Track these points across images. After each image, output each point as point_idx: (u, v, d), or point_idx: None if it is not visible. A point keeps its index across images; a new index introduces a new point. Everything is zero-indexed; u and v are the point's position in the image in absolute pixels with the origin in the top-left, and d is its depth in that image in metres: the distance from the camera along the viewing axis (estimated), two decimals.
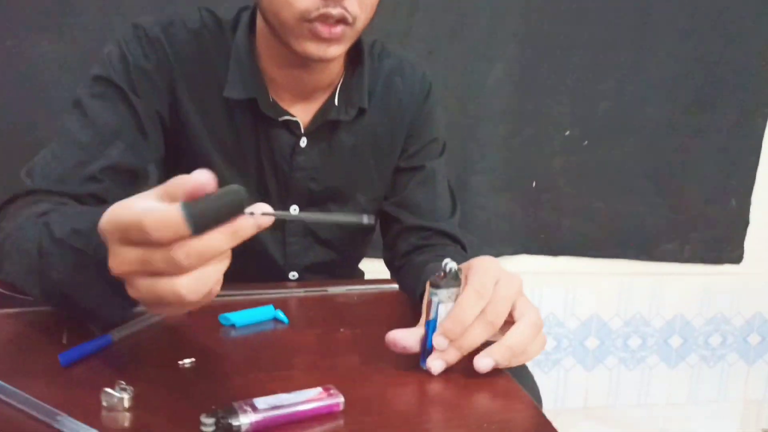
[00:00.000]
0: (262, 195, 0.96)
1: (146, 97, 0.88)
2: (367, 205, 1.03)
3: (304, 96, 0.93)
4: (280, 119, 0.91)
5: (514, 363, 0.66)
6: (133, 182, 0.89)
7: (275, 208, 0.95)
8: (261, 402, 0.53)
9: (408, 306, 0.87)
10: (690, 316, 1.99)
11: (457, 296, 0.65)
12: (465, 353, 0.65)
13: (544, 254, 1.80)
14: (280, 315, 0.79)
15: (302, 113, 0.93)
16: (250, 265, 0.98)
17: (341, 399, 0.56)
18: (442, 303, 0.64)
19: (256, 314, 0.78)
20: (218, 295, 0.53)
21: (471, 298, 0.64)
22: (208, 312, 0.79)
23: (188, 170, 0.47)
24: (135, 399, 0.57)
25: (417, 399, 0.62)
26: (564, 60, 1.69)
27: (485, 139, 1.68)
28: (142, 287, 0.48)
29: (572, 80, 1.70)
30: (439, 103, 1.06)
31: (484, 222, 1.71)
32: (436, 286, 0.64)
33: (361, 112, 0.95)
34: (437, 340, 0.64)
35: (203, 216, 0.45)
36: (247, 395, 0.56)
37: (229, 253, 0.50)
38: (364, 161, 0.99)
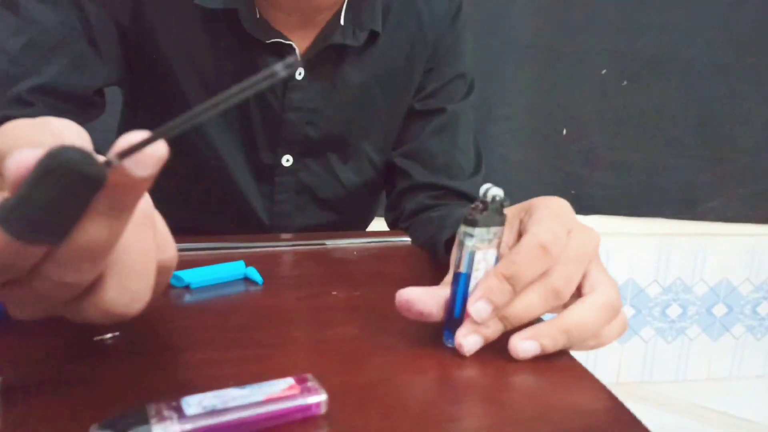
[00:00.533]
0: (247, 142, 0.79)
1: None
2: (376, 155, 0.86)
3: (302, 14, 0.74)
4: (269, 41, 0.73)
5: (576, 349, 0.47)
6: (76, 110, 0.70)
7: (263, 155, 0.80)
8: (192, 404, 0.33)
9: (426, 262, 0.67)
10: (736, 282, 1.83)
11: (500, 242, 0.45)
12: (512, 328, 0.45)
13: (576, 213, 1.59)
14: (253, 273, 0.59)
15: (299, 37, 0.75)
16: (229, 225, 0.83)
17: (322, 396, 0.36)
18: (479, 250, 0.44)
19: (218, 272, 0.58)
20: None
21: (532, 249, 0.43)
22: None
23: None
24: (6, 392, 0.37)
25: (437, 390, 0.41)
26: None
27: (508, 80, 1.51)
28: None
29: (609, 10, 1.53)
30: (467, 30, 0.88)
31: (505, 175, 1.55)
32: (471, 222, 0.43)
33: (373, 37, 0.77)
34: (477, 306, 0.43)
35: (20, 214, 0.25)
36: (183, 388, 0.36)
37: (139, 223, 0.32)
38: (373, 101, 0.82)
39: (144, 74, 0.76)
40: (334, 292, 0.56)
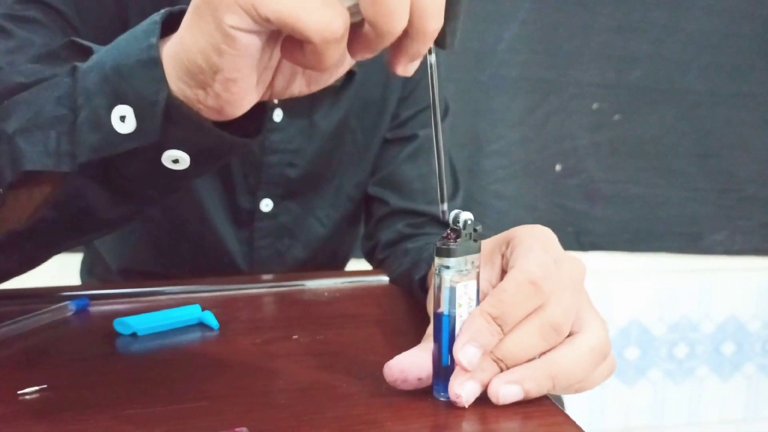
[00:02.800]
0: (225, 186, 0.76)
1: (91, 21, 0.66)
2: (354, 190, 0.83)
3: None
4: None
5: (560, 393, 0.42)
6: None
7: (242, 201, 0.77)
8: None
9: (401, 302, 0.62)
10: (744, 319, 1.75)
11: (479, 272, 0.40)
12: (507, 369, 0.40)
13: (572, 249, 1.56)
14: (208, 318, 0.54)
15: None
16: (205, 272, 0.78)
17: None
18: (458, 283, 0.39)
19: (169, 317, 0.53)
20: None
21: (521, 285, 0.39)
22: (100, 315, 0.54)
23: None
24: None
25: None
26: (589, 19, 1.47)
27: (499, 115, 1.46)
28: None
29: (599, 43, 1.49)
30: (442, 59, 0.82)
31: (501, 213, 1.49)
32: (445, 253, 0.39)
33: (350, 74, 0.75)
34: (465, 351, 0.38)
35: None
36: None
37: None
38: (350, 135, 0.80)
39: None
40: (295, 336, 0.51)
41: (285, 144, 0.75)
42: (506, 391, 0.38)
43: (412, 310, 0.58)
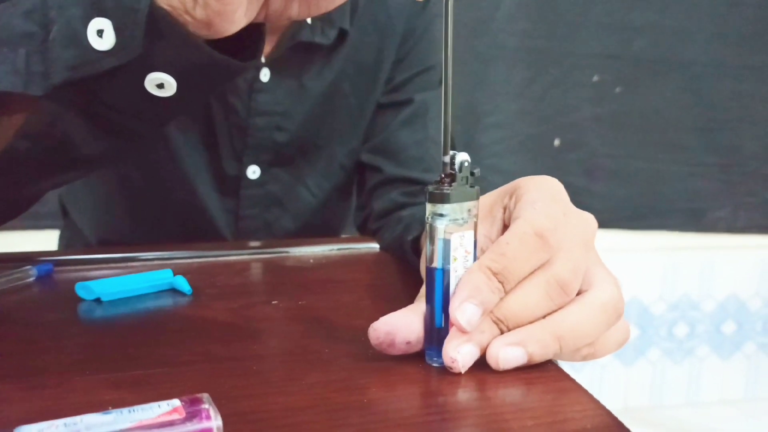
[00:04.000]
0: (209, 150, 0.72)
1: None
2: (346, 158, 0.79)
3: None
4: None
5: (566, 359, 0.37)
6: None
7: (227, 167, 0.73)
8: None
9: (392, 267, 0.58)
10: (745, 297, 1.71)
11: (477, 224, 0.35)
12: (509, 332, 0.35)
13: None
14: (180, 282, 0.49)
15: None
16: (189, 238, 0.74)
17: (214, 423, 0.26)
18: (454, 234, 0.34)
19: (136, 282, 0.49)
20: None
21: (526, 238, 0.35)
22: (65, 281, 0.50)
23: None
24: None
25: (380, 414, 0.31)
26: None
27: (497, 87, 1.42)
28: None
29: (600, 11, 1.44)
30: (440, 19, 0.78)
31: (498, 187, 1.42)
32: (439, 198, 0.34)
33: (342, 34, 0.71)
34: (463, 309, 0.33)
35: None
36: (44, 416, 0.26)
37: None
38: (343, 100, 0.76)
39: None
40: (275, 302, 0.46)
41: (272, 106, 0.71)
42: (507, 354, 0.34)
43: (404, 276, 0.54)
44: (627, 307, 1.44)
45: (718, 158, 1.58)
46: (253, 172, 0.74)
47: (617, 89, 1.49)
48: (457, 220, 0.34)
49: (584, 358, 0.37)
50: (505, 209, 0.39)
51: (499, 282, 0.34)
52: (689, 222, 1.61)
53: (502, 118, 1.43)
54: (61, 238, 0.95)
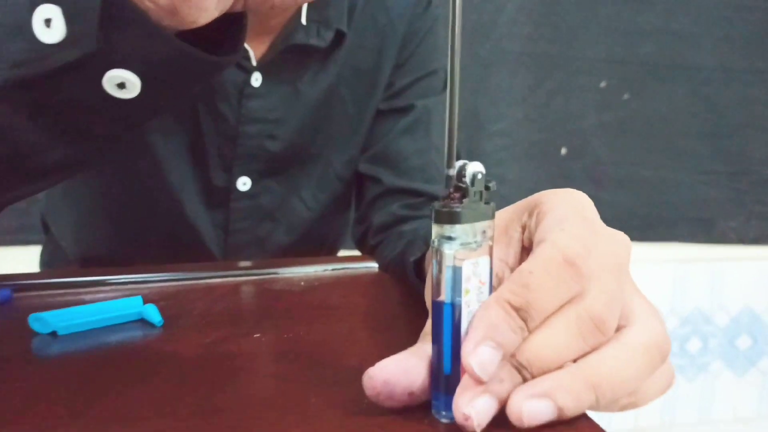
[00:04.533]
0: (196, 160, 0.68)
1: None
2: (344, 168, 0.75)
3: (256, 16, 0.65)
4: None
5: (602, 410, 0.30)
6: None
7: (216, 178, 0.69)
8: None
9: (392, 291, 0.52)
10: (760, 311, 1.66)
11: (491, 246, 0.29)
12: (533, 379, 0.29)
13: None
14: (151, 312, 0.43)
15: (256, 40, 0.65)
16: (174, 261, 0.70)
17: None
18: (465, 261, 0.28)
19: (99, 312, 0.43)
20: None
21: (554, 264, 0.28)
22: (25, 309, 0.44)
23: None
24: None
25: None
26: None
27: (500, 93, 1.37)
28: None
29: (605, 15, 1.40)
30: (443, 22, 0.77)
31: (502, 197, 1.34)
32: (447, 218, 0.28)
33: (339, 36, 0.68)
34: (479, 353, 0.27)
35: None
36: None
37: None
38: (340, 106, 0.72)
39: None
40: (257, 335, 0.40)
41: (265, 113, 0.67)
42: (532, 407, 0.27)
43: (406, 301, 0.48)
44: None
45: (726, 166, 1.54)
46: (244, 183, 0.70)
47: (625, 96, 1.44)
48: (469, 243, 0.28)
49: (623, 409, 0.30)
50: (523, 228, 0.33)
51: (522, 319, 0.27)
52: (698, 232, 1.56)
53: (506, 126, 1.38)
54: (42, 255, 0.90)
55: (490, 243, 0.29)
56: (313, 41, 0.65)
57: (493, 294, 0.28)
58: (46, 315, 0.41)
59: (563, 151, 1.43)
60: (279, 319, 0.44)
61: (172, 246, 0.71)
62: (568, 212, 0.31)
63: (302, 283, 0.53)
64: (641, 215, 1.50)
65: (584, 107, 1.42)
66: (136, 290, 0.48)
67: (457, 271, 0.28)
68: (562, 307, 0.28)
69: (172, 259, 0.71)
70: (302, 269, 0.56)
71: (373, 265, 0.59)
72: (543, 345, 0.28)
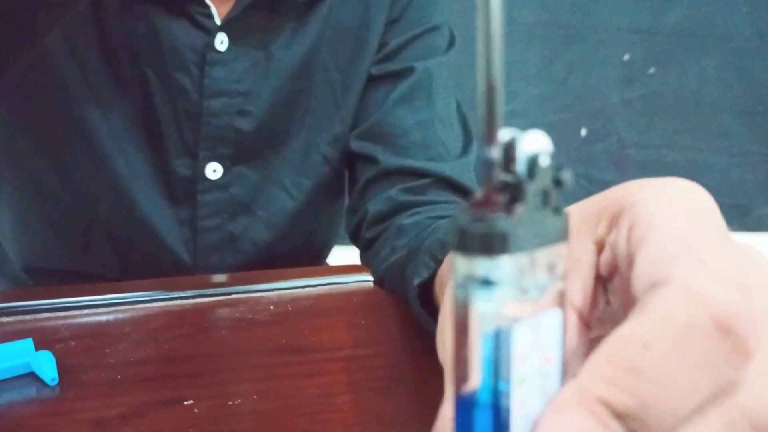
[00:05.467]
0: (150, 143, 0.58)
1: None
2: (330, 148, 0.66)
3: None
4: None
5: None
6: None
7: (178, 166, 0.62)
8: None
9: (391, 323, 0.39)
10: None
11: (563, 290, 0.15)
12: None
13: None
14: (44, 364, 0.30)
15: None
16: (135, 269, 0.62)
17: None
18: (516, 319, 0.14)
19: None
20: None
21: (696, 331, 0.15)
22: None
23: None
24: None
25: None
26: None
27: (513, 68, 1.30)
28: None
29: None
30: None
31: None
32: (482, 243, 0.14)
33: None
34: None
35: None
36: None
37: None
38: (323, 75, 0.63)
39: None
40: (189, 401, 0.27)
41: (232, 83, 0.58)
42: None
43: (409, 336, 0.35)
44: None
45: (763, 146, 1.46)
46: (213, 170, 0.60)
47: (651, 70, 1.36)
48: (527, 291, 0.14)
49: None
50: (599, 247, 0.19)
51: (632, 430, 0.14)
52: (733, 219, 1.46)
53: (520, 105, 1.32)
54: None
55: (562, 286, 0.15)
56: None
57: (573, 383, 0.15)
58: None
59: (583, 132, 1.36)
60: (227, 371, 0.31)
61: (129, 252, 0.61)
62: (690, 223, 0.17)
63: (271, 308, 0.40)
64: None
65: (606, 83, 1.35)
66: (33, 323, 0.35)
67: (502, 342, 0.14)
68: (702, 407, 0.15)
69: (135, 267, 0.61)
70: (274, 286, 0.43)
71: (366, 279, 0.46)
72: None
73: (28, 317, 0.36)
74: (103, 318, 0.37)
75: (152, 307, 0.40)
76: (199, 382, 0.30)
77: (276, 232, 0.65)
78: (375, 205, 0.58)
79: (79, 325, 0.37)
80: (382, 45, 0.62)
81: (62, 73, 0.56)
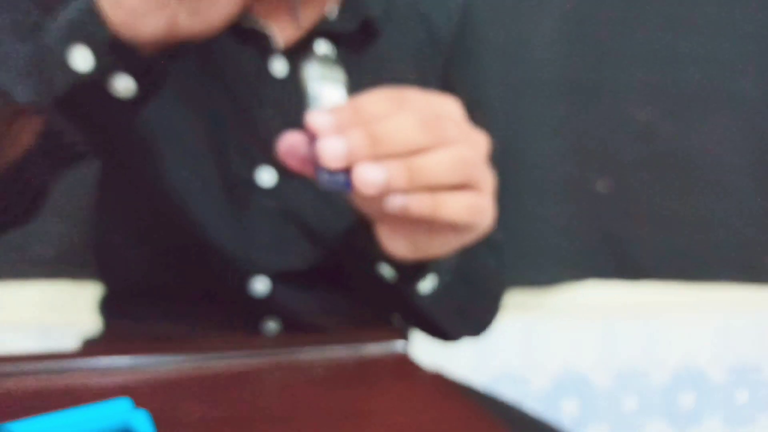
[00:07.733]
0: (212, 147, 0.62)
1: None
2: None
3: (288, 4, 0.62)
4: (245, 27, 0.60)
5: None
6: None
7: (236, 166, 0.64)
8: None
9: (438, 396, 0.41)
10: None
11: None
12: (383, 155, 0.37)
13: (619, 277, 1.37)
14: (139, 422, 0.32)
15: (279, 28, 0.62)
16: (190, 273, 0.64)
17: None
18: (319, 80, 0.38)
19: (75, 421, 0.32)
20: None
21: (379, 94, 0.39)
22: None
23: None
24: None
25: None
26: (634, 13, 1.30)
27: (533, 122, 1.28)
28: None
29: (645, 40, 1.32)
30: (483, 38, 0.73)
31: (532, 235, 1.30)
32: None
33: (367, 28, 0.62)
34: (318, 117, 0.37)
35: None
36: None
37: None
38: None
39: None
40: None
41: (286, 98, 0.62)
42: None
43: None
44: (682, 373, 1.26)
45: None
46: (269, 177, 0.62)
47: (665, 127, 1.35)
48: (324, 74, 0.39)
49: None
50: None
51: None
52: (744, 273, 1.44)
53: (538, 158, 1.29)
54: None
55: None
56: (339, 27, 0.60)
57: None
58: (17, 424, 0.31)
59: (600, 185, 1.34)
60: (301, 423, 0.33)
61: (185, 261, 0.63)
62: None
63: (321, 371, 0.42)
64: (686, 255, 1.40)
65: (622, 140, 1.33)
66: (115, 380, 0.38)
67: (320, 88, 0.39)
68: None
69: (185, 274, 0.63)
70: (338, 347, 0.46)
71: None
72: (389, 123, 0.38)
73: (116, 370, 0.39)
74: (178, 372, 0.40)
75: (210, 367, 0.42)
76: (290, 423, 0.32)
77: (322, 248, 0.64)
78: None
79: (159, 381, 0.39)
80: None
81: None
